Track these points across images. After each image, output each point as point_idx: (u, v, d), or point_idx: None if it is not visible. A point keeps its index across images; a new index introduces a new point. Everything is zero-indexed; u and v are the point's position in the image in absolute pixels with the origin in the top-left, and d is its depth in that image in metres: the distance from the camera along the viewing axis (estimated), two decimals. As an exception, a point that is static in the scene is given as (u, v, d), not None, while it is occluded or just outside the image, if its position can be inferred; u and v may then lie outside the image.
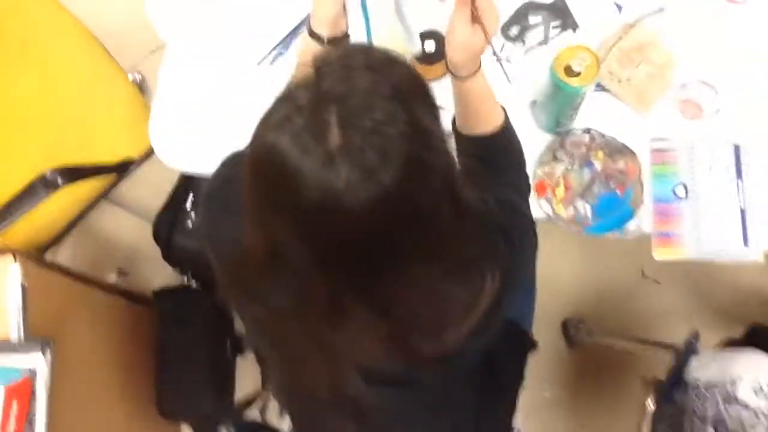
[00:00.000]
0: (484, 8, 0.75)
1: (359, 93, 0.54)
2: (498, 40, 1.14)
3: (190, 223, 1.44)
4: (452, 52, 0.79)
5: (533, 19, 1.14)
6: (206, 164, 0.89)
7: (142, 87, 2.03)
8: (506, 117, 0.88)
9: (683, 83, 1.11)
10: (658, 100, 1.12)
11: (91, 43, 1.35)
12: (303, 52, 0.86)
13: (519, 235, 0.77)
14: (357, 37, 0.86)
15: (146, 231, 1.48)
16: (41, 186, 1.28)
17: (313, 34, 0.81)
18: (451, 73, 0.82)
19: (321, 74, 0.56)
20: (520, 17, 1.14)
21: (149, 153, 1.40)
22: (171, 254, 1.45)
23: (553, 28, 1.14)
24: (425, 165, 0.56)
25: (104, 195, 1.42)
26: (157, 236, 1.46)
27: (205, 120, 1.15)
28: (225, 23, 1.21)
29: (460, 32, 0.77)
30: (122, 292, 1.54)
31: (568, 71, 0.98)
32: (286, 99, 0.56)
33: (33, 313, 1.07)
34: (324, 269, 0.59)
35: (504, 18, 1.14)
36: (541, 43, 1.14)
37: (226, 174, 0.81)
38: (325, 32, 0.80)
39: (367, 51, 0.61)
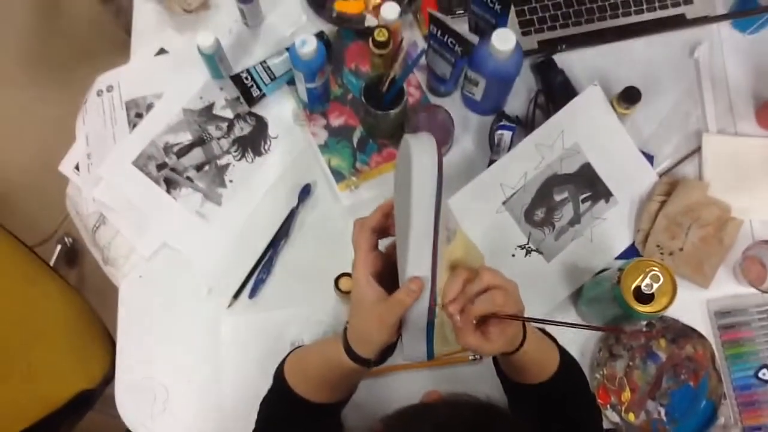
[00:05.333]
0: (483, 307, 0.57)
1: None
2: (523, 228, 0.95)
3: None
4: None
5: (558, 195, 0.95)
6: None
7: (74, 250, 1.74)
8: (561, 353, 0.72)
9: (747, 246, 0.95)
10: (719, 269, 0.96)
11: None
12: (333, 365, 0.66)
13: None
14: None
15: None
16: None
17: (355, 357, 0.62)
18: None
19: None
20: (543, 197, 0.95)
21: (109, 378, 1.15)
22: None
23: (583, 201, 0.96)
24: None
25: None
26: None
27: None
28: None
29: (472, 346, 0.58)
30: None
31: (638, 294, 0.80)
32: None
33: None
34: None
35: (526, 202, 0.95)
36: (572, 222, 0.95)
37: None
38: (373, 356, 0.63)
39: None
